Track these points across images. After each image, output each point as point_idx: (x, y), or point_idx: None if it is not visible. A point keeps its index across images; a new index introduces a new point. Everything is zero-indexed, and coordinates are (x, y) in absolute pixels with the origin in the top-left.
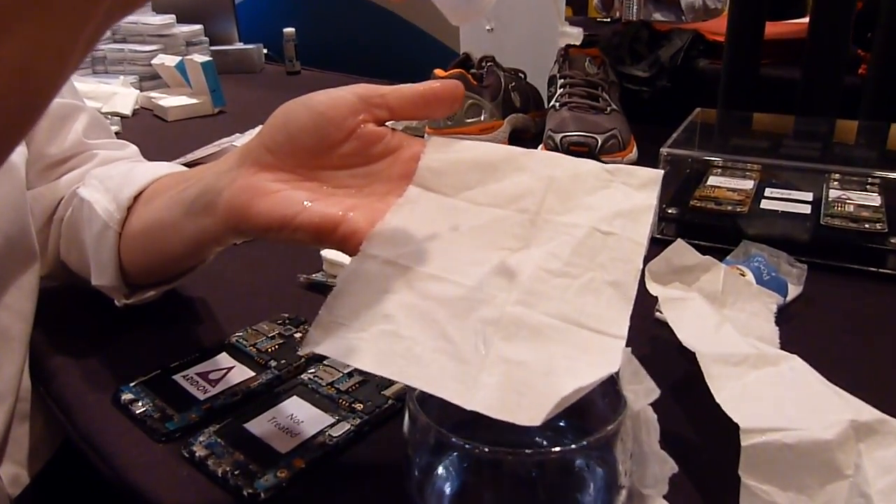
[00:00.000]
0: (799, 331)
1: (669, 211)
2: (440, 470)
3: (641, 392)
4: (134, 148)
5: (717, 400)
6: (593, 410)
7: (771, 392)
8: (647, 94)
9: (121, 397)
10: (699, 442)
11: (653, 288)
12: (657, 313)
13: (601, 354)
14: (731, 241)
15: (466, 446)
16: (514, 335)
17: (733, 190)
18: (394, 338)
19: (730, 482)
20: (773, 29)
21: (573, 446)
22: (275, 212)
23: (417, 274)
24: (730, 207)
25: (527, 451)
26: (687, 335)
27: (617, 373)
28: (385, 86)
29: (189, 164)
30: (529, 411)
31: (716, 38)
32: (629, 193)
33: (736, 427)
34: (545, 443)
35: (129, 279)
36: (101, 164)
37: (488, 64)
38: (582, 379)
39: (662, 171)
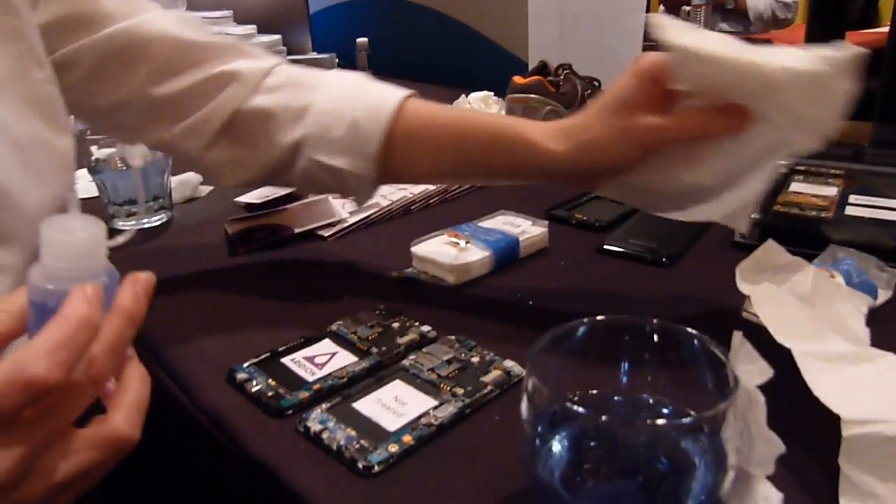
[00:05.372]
0: (890, 334)
1: (752, 216)
2: (555, 441)
3: (755, 372)
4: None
5: (816, 393)
6: (702, 395)
7: (870, 386)
8: None
9: (236, 377)
10: (796, 433)
11: (743, 287)
12: (744, 313)
13: None
14: (816, 247)
15: (585, 412)
16: None
17: (817, 196)
18: None
19: (828, 470)
20: (852, 39)
21: (686, 419)
22: None
23: None
24: (814, 213)
25: (644, 420)
26: (781, 332)
27: (727, 355)
28: None
29: None
30: None
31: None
32: None
33: (832, 420)
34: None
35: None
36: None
37: (565, 72)
38: None
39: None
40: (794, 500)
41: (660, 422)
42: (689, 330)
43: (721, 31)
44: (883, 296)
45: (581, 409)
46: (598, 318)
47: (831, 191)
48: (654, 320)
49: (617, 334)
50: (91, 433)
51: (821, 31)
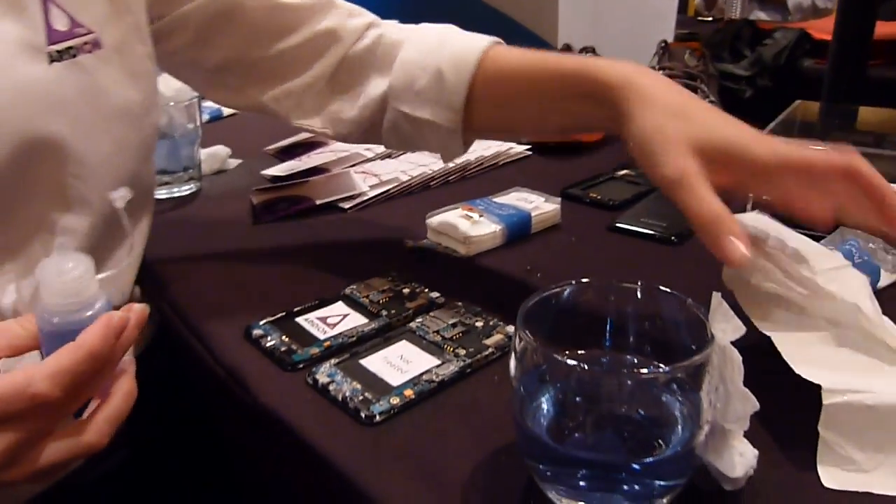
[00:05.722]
0: (890, 317)
1: (765, 197)
2: (542, 398)
3: (729, 329)
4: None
5: (796, 370)
6: (683, 355)
7: (850, 362)
8: (747, 94)
9: (252, 333)
10: (776, 396)
11: (728, 279)
12: None
13: None
14: (827, 231)
15: (570, 363)
16: None
17: None
18: None
19: (804, 433)
20: (885, 29)
21: (663, 369)
22: None
23: None
24: None
25: (622, 370)
26: (761, 320)
27: (707, 315)
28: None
29: (298, 143)
30: None
31: (824, 38)
32: None
33: (811, 386)
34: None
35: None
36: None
37: (588, 54)
38: None
39: None
40: (770, 459)
41: (640, 370)
42: (673, 292)
43: (757, 19)
44: (887, 278)
45: (567, 360)
46: (584, 280)
47: None
48: (639, 282)
49: (603, 297)
50: (67, 438)
51: (852, 21)
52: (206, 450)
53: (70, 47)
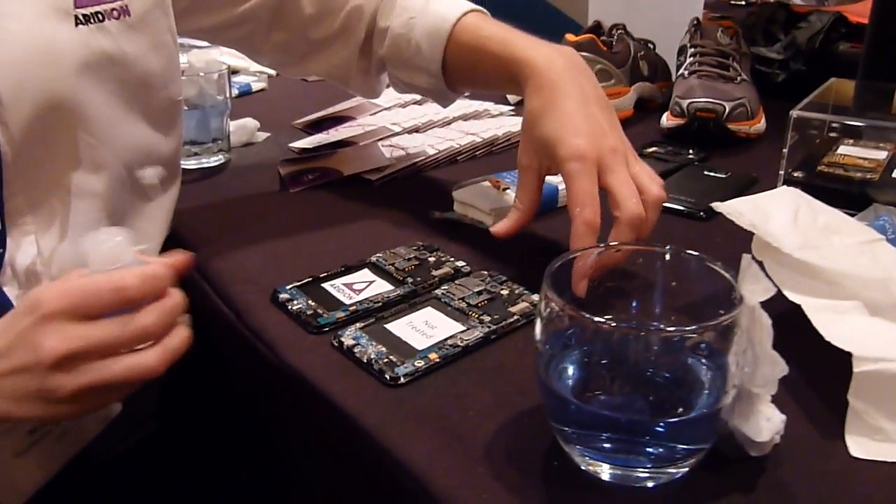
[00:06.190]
0: None
1: (795, 174)
2: (567, 361)
3: (759, 290)
4: None
5: (827, 337)
6: (711, 318)
7: (881, 331)
8: (780, 77)
9: (279, 297)
10: (804, 363)
11: (757, 249)
12: None
13: None
14: (859, 208)
15: (596, 320)
16: None
17: (864, 159)
18: None
19: (830, 400)
20: None
21: (691, 327)
22: None
23: None
24: (859, 175)
25: (649, 327)
26: (792, 291)
27: (736, 277)
28: None
29: (326, 117)
30: None
31: (860, 21)
32: None
33: (839, 354)
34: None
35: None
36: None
37: (619, 32)
38: None
39: None
40: (797, 426)
41: (667, 328)
42: (700, 255)
43: (791, 4)
44: None
45: (593, 318)
46: (612, 243)
47: (881, 154)
48: (667, 247)
49: (630, 260)
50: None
51: (890, 2)
52: (231, 420)
53: (98, 12)
